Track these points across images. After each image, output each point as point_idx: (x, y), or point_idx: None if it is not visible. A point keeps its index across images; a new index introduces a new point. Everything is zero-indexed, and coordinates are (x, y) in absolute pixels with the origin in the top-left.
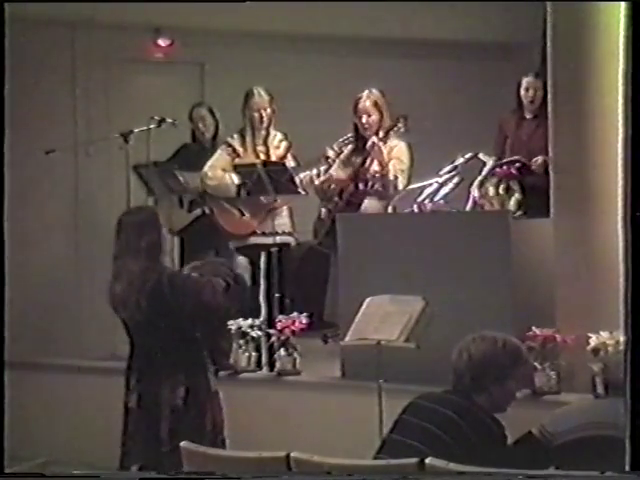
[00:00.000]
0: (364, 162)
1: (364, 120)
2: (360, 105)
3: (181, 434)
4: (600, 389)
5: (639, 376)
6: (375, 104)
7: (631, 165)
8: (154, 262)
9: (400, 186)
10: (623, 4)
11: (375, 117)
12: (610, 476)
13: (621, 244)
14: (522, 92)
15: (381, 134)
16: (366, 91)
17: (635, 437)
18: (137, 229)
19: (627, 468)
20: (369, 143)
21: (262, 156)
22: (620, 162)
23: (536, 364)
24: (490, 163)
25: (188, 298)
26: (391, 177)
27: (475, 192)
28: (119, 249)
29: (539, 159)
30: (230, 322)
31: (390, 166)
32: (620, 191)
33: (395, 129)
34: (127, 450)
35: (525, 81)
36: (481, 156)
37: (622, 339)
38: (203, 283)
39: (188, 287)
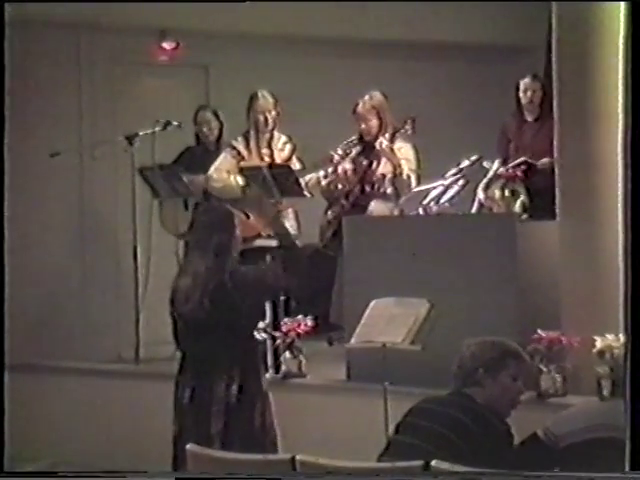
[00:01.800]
0: (370, 164)
1: (363, 126)
2: (357, 112)
3: (233, 432)
4: (606, 391)
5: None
6: (373, 109)
7: (631, 167)
8: (221, 262)
9: (413, 184)
10: (623, 4)
11: (374, 122)
12: (610, 476)
13: (621, 245)
14: (520, 94)
15: (387, 136)
16: (366, 96)
17: (635, 437)
18: (210, 227)
19: (627, 468)
20: (378, 145)
21: (267, 159)
22: (620, 163)
23: (541, 366)
24: (495, 166)
25: (251, 288)
26: (405, 177)
27: (481, 195)
28: (190, 245)
29: (545, 160)
30: None
31: (404, 166)
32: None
33: (402, 131)
34: (180, 449)
35: (523, 83)
36: (485, 164)
37: (622, 339)
38: (263, 270)
39: (250, 278)
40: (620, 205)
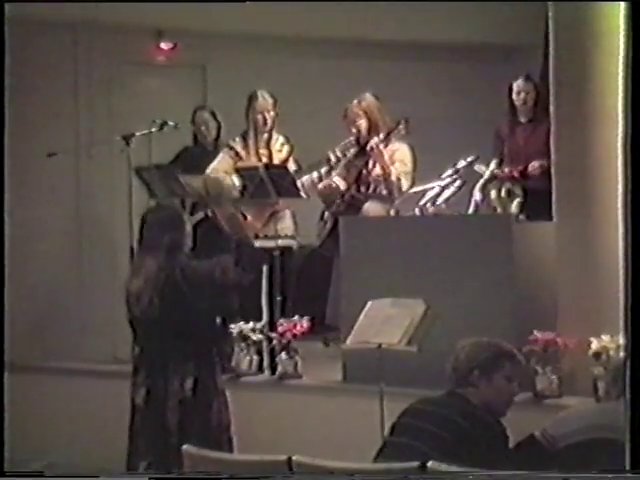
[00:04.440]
0: (366, 165)
1: (353, 130)
2: (347, 116)
3: (189, 427)
4: (601, 392)
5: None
6: (363, 112)
7: (631, 168)
8: (172, 259)
9: (404, 188)
10: (622, 4)
11: (363, 124)
12: (611, 476)
13: (621, 245)
14: (514, 96)
15: (381, 136)
16: (355, 100)
17: (635, 437)
18: (160, 227)
19: (627, 468)
20: (369, 146)
21: (264, 159)
22: (619, 164)
23: (537, 368)
24: (492, 167)
25: (202, 282)
26: (394, 179)
27: (477, 195)
28: (140, 246)
29: (535, 164)
30: (232, 325)
31: (392, 168)
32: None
33: (396, 131)
34: (135, 448)
35: (516, 85)
36: (476, 168)
37: (622, 342)
38: (212, 264)
39: (199, 271)
40: (620, 206)
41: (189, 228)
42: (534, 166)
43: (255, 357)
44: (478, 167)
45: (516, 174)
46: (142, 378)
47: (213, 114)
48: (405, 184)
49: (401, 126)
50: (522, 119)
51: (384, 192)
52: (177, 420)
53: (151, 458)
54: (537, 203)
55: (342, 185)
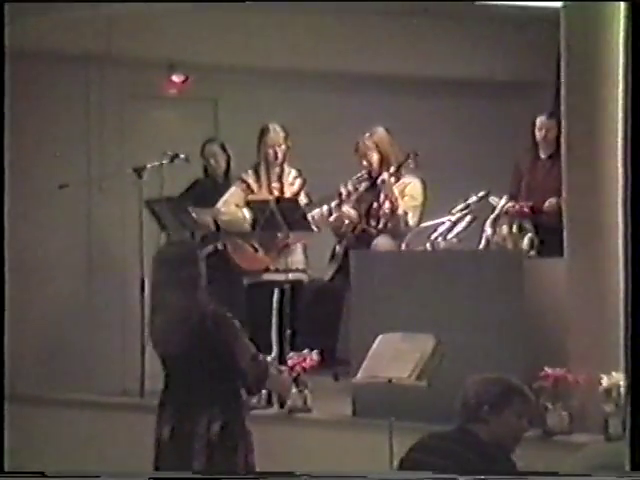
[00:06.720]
0: (377, 199)
1: (364, 163)
2: (358, 149)
3: (215, 469)
4: (612, 430)
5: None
6: (374, 145)
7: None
8: (192, 297)
9: (410, 222)
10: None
11: (375, 158)
12: (610, 476)
13: (622, 277)
14: (536, 131)
15: (392, 170)
16: (367, 133)
17: (635, 437)
18: (176, 262)
19: (627, 468)
20: (380, 180)
21: (276, 192)
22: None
23: (548, 404)
24: (502, 203)
25: (226, 342)
26: (400, 212)
27: (488, 231)
28: (157, 282)
29: (552, 200)
30: None
31: (401, 202)
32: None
33: (405, 165)
34: None
35: (539, 120)
36: (491, 200)
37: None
38: (242, 342)
39: (228, 334)
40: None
41: (203, 266)
42: (551, 202)
43: (264, 390)
44: (492, 199)
45: (527, 210)
46: (168, 415)
47: (222, 147)
48: (412, 218)
49: (410, 160)
50: (542, 155)
51: (392, 226)
52: (204, 462)
53: None
54: (548, 239)
55: (354, 214)
